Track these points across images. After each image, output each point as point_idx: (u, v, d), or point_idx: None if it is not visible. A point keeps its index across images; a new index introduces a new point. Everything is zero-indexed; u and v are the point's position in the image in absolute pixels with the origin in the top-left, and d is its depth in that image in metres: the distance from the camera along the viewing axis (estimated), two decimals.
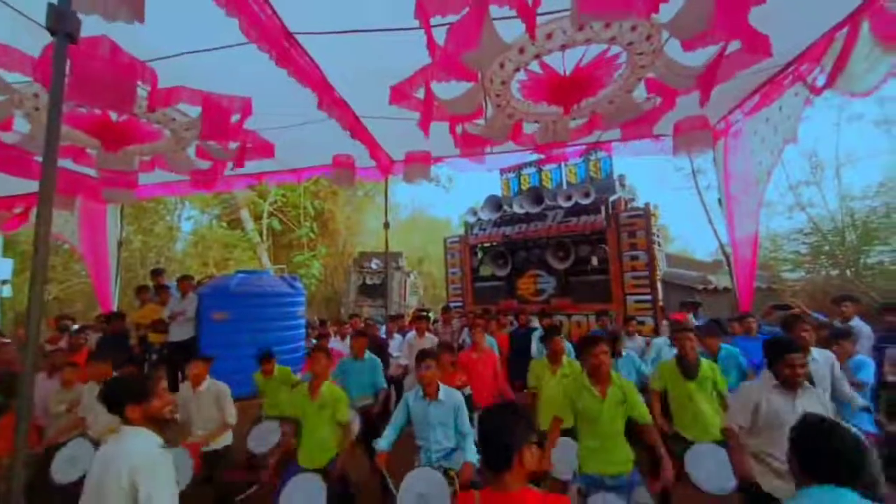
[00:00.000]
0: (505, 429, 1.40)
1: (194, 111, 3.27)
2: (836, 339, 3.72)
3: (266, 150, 4.09)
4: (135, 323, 5.71)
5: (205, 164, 4.30)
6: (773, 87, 3.88)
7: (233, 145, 3.92)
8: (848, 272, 10.15)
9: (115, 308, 6.47)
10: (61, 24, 1.63)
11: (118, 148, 3.63)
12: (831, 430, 1.48)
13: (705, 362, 3.35)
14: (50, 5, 1.64)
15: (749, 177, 4.79)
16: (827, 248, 10.88)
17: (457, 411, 2.90)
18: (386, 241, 6.05)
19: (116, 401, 1.80)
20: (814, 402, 2.42)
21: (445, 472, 2.69)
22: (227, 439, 3.64)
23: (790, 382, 2.42)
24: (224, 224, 16.37)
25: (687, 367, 3.29)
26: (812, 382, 2.77)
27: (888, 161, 11.38)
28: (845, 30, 2.93)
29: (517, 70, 2.90)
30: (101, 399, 1.85)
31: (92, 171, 5.07)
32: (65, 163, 4.31)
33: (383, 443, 2.90)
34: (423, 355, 3.03)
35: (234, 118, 3.21)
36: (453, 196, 42.59)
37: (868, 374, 3.49)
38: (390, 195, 6.60)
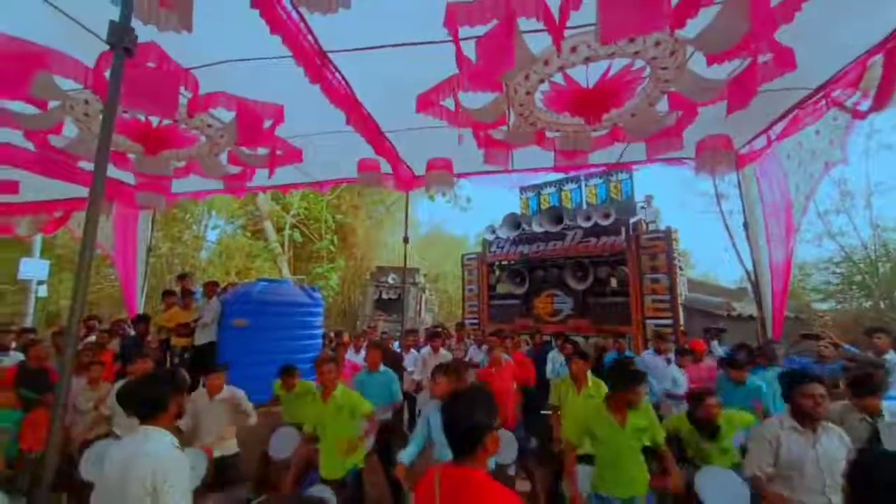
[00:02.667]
0: (470, 416, 1.41)
1: (227, 117, 3.43)
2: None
3: (295, 156, 4.23)
4: (157, 326, 5.86)
5: (235, 170, 4.47)
6: (803, 112, 3.85)
7: (262, 151, 4.07)
8: (882, 304, 9.71)
9: (140, 312, 6.67)
10: (120, 39, 1.74)
11: (157, 152, 3.82)
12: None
13: (725, 419, 3.11)
14: (111, 22, 1.75)
15: (780, 202, 4.69)
16: (859, 278, 10.47)
17: None
18: (405, 255, 6.11)
19: (164, 398, 1.82)
20: (836, 442, 2.25)
21: None
22: (234, 447, 3.64)
23: (810, 417, 2.25)
24: (248, 234, 16.81)
25: (706, 429, 3.08)
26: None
27: None
28: (881, 56, 2.91)
29: (541, 81, 2.96)
30: (133, 398, 1.86)
31: (127, 177, 5.34)
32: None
33: (405, 457, 2.86)
34: (438, 370, 3.02)
35: (266, 124, 3.35)
36: (471, 215, 42.87)
37: None
38: (410, 212, 6.70)
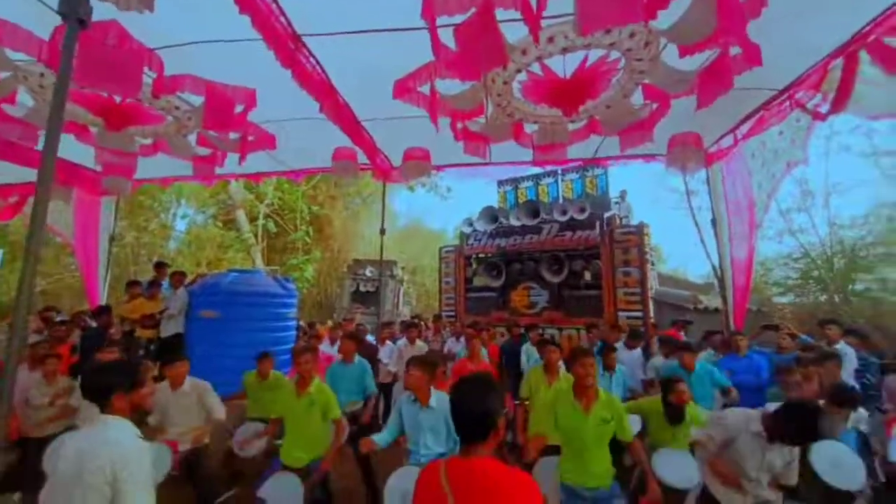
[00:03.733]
0: (482, 400, 1.38)
1: (198, 100, 3.30)
2: (823, 361, 3.77)
3: (268, 142, 4.11)
4: (120, 317, 5.63)
5: (205, 151, 4.31)
6: (768, 113, 3.99)
7: (234, 136, 3.93)
8: (836, 298, 10.30)
9: (102, 303, 6.39)
10: (73, 9, 1.64)
11: (120, 128, 3.64)
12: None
13: (692, 411, 3.25)
14: None
15: (743, 200, 4.87)
16: (816, 273, 11.05)
17: (448, 418, 2.84)
18: (381, 246, 6.05)
19: (105, 387, 1.72)
20: (784, 455, 2.38)
21: None
22: (203, 438, 3.55)
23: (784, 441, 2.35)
24: (219, 224, 16.29)
25: (673, 415, 3.22)
26: None
27: (875, 192, 11.68)
28: (841, 59, 3.03)
29: (519, 71, 2.96)
30: (85, 385, 1.78)
31: (90, 163, 5.07)
32: (65, 148, 4.31)
33: (379, 438, 2.86)
34: (413, 362, 3.01)
35: (238, 109, 3.23)
36: (449, 208, 42.79)
37: None
38: (387, 204, 6.64)
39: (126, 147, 4.16)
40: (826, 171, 13.57)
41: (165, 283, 5.99)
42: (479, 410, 1.36)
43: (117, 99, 3.43)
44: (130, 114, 3.61)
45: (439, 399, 2.90)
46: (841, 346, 4.27)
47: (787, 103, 3.71)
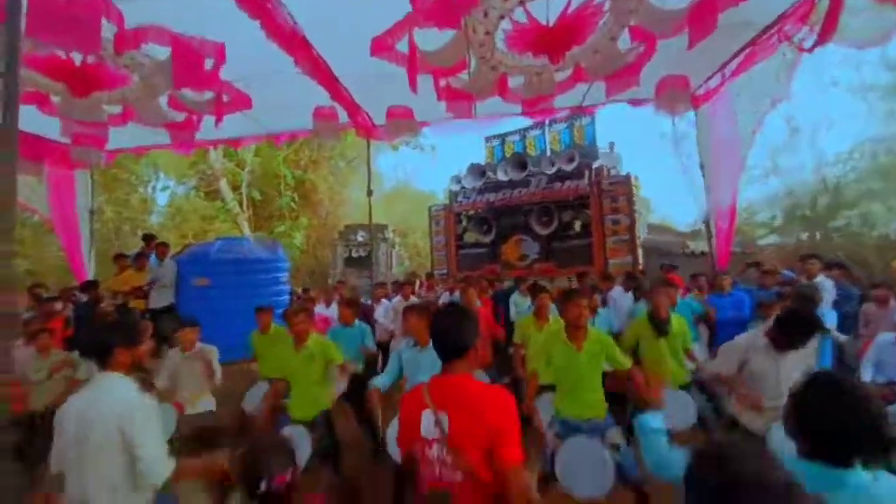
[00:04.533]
0: (458, 329, 1.52)
1: (163, 55, 3.11)
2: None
3: (243, 102, 3.94)
4: (112, 290, 5.60)
5: (179, 116, 4.12)
6: (756, 49, 3.89)
7: (207, 97, 3.76)
8: (817, 234, 10.58)
9: (90, 278, 6.32)
10: None
11: (84, 93, 3.44)
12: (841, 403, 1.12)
13: (675, 319, 3.45)
14: None
15: (733, 140, 4.85)
16: (800, 212, 11.27)
17: None
18: (370, 208, 5.98)
19: (108, 343, 1.72)
20: (798, 364, 2.44)
21: None
22: (209, 403, 3.63)
23: (783, 348, 2.43)
24: (202, 195, 15.89)
25: (658, 324, 3.39)
26: None
27: (861, 127, 11.70)
28: None
29: (501, 18, 2.83)
30: (86, 343, 1.78)
31: (59, 137, 4.83)
32: (28, 122, 4.09)
33: (378, 382, 2.97)
34: (409, 309, 3.07)
35: (208, 65, 3.06)
36: (437, 167, 41.94)
37: (832, 324, 3.71)
38: (374, 165, 6.49)
39: (93, 116, 3.96)
40: (814, 106, 13.57)
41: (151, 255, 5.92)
42: (454, 334, 1.52)
43: (77, 60, 3.22)
44: (94, 76, 3.38)
45: None
46: (820, 279, 4.44)
47: (775, 38, 3.62)
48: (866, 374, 3.43)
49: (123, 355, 1.73)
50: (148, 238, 6.32)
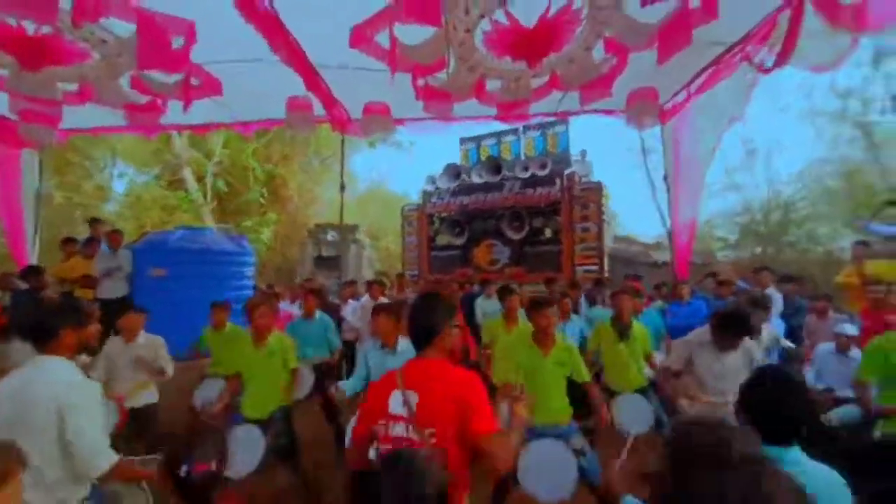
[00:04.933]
0: (429, 313, 1.59)
1: (127, 31, 2.94)
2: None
3: (213, 87, 3.76)
4: (58, 277, 5.22)
5: (142, 99, 3.90)
6: (720, 68, 4.08)
7: (174, 79, 3.57)
8: (770, 249, 11.30)
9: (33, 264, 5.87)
10: None
11: (37, 66, 3.18)
12: (786, 390, 1.32)
13: (637, 325, 3.61)
14: None
15: (695, 156, 5.07)
16: (755, 227, 12.02)
17: None
18: (341, 204, 5.86)
19: (53, 324, 1.61)
20: (740, 360, 2.64)
21: None
22: (152, 396, 3.46)
23: (725, 349, 2.63)
24: (163, 184, 15.16)
25: (621, 329, 3.52)
26: None
27: (810, 150, 12.61)
28: (788, 11, 3.11)
29: (482, 17, 2.85)
30: (28, 324, 1.64)
31: (6, 112, 4.47)
32: None
33: (345, 387, 2.89)
34: (378, 309, 3.02)
35: (176, 44, 2.92)
36: (411, 170, 42.02)
37: (780, 332, 3.94)
38: (348, 166, 6.40)
39: (46, 93, 3.67)
40: (768, 130, 14.62)
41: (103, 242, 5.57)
42: (426, 323, 1.58)
43: (30, 30, 2.99)
44: (48, 49, 3.10)
45: (407, 343, 2.94)
46: (770, 290, 4.70)
47: (738, 57, 3.81)
48: (808, 381, 3.65)
49: (70, 337, 1.63)
50: (94, 223, 5.91)
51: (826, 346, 4.03)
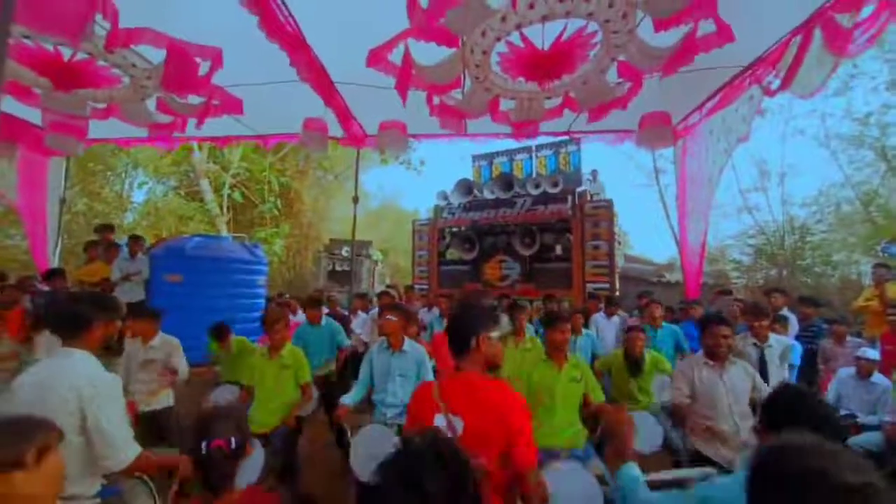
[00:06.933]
0: (467, 320, 1.61)
1: (156, 58, 3.06)
2: (774, 323, 4.09)
3: (234, 106, 3.89)
4: (78, 280, 5.35)
5: (165, 119, 4.05)
6: (732, 90, 4.12)
7: (197, 100, 3.71)
8: (784, 272, 11.10)
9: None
10: None
11: (70, 89, 3.34)
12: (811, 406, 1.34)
13: (650, 355, 3.54)
14: None
15: (703, 176, 5.07)
16: (769, 249, 11.84)
17: (420, 364, 2.88)
18: (354, 218, 5.95)
19: (87, 316, 1.63)
20: (741, 374, 2.62)
21: (400, 430, 2.60)
22: (167, 401, 3.47)
23: (714, 354, 2.62)
24: (181, 194, 15.51)
25: (632, 364, 3.49)
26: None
27: (825, 174, 12.51)
28: (799, 37, 3.16)
29: (498, 39, 2.93)
30: (60, 314, 1.67)
31: (36, 120, 4.67)
32: (8, 104, 3.95)
33: (347, 399, 2.88)
34: (389, 307, 3.02)
35: (203, 70, 3.04)
36: (422, 188, 42.45)
37: (796, 357, 3.85)
38: (360, 183, 6.50)
39: (76, 111, 3.83)
40: (783, 153, 14.54)
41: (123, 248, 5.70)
42: (463, 330, 1.59)
43: (66, 55, 3.13)
44: (80, 73, 3.26)
45: (413, 346, 2.95)
46: (784, 311, 4.61)
47: (749, 79, 3.85)
48: None
49: (100, 329, 1.67)
50: (102, 229, 6.00)
51: (846, 371, 3.93)
